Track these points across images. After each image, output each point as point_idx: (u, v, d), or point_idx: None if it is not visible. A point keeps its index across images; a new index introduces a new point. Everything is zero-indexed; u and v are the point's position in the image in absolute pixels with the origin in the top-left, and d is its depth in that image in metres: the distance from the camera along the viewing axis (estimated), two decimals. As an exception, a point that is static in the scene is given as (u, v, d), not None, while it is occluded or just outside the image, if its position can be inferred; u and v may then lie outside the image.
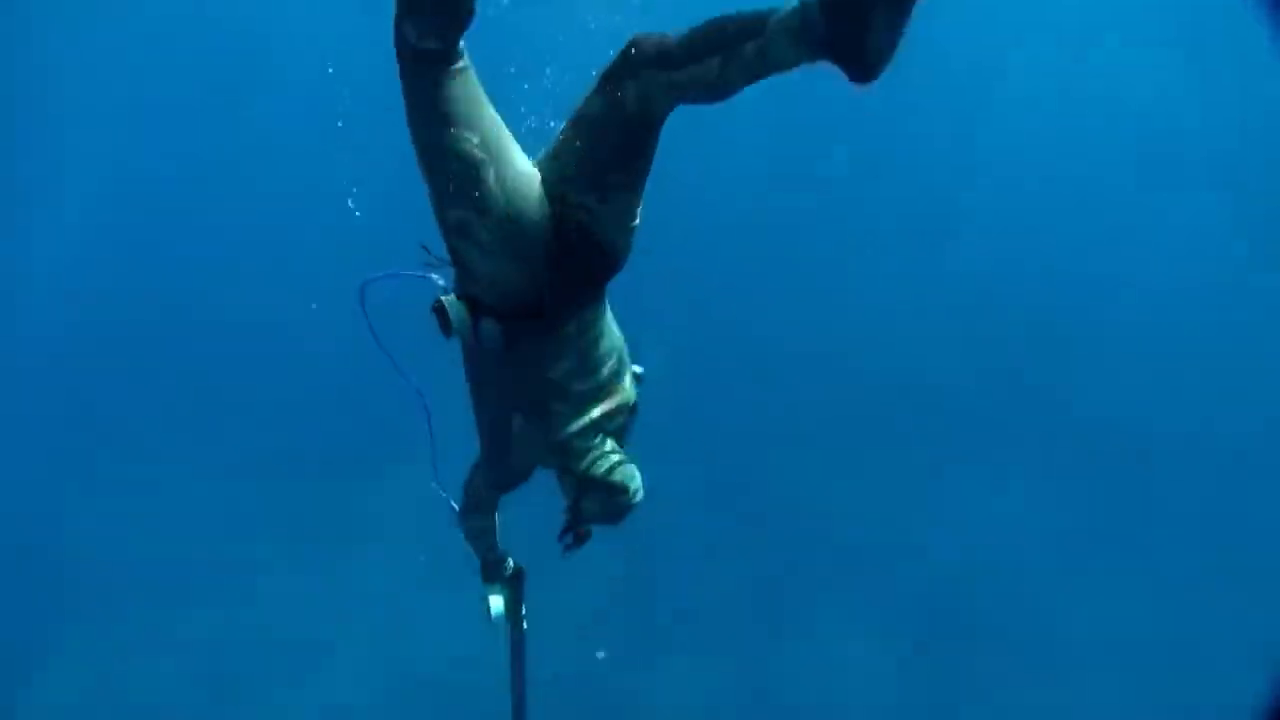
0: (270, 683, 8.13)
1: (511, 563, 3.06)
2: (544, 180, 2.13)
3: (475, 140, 2.02)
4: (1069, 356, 11.95)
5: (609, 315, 2.43)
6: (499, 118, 2.10)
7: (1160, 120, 13.13)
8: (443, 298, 2.22)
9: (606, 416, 2.46)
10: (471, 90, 2.04)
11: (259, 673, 8.19)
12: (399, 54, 2.00)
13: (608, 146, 2.08)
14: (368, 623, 8.60)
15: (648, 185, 2.21)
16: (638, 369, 2.57)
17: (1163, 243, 12.85)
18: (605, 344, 2.41)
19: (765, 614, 9.25)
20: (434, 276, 2.30)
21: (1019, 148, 13.38)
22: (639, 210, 2.22)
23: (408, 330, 2.37)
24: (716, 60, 1.85)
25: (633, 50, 1.97)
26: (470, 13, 1.94)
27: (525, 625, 3.09)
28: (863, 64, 1.71)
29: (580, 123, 2.11)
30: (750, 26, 1.79)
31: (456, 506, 2.88)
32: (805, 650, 8.97)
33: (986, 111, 13.65)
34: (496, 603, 2.98)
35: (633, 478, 2.49)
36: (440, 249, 2.29)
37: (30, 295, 11.50)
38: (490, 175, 2.04)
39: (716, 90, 1.93)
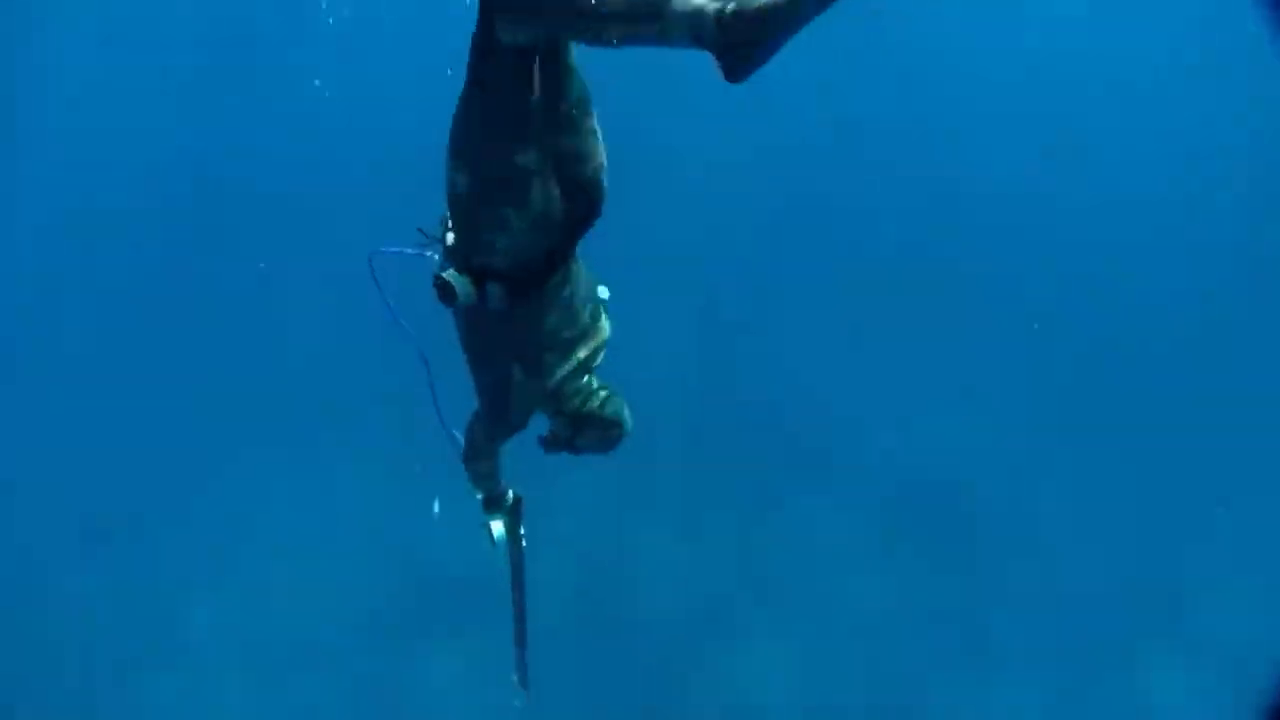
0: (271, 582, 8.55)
1: (511, 494, 3.26)
2: None
3: (534, 156, 2.19)
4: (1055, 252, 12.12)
5: (580, 263, 2.60)
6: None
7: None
8: (444, 273, 2.37)
9: (590, 356, 2.69)
10: (537, 102, 2.16)
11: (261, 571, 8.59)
12: (487, 53, 2.08)
13: (543, 89, 2.18)
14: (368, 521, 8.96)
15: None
16: (604, 291, 2.73)
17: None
18: (583, 291, 2.62)
19: (751, 496, 9.71)
20: (431, 254, 2.51)
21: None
22: (602, 148, 2.36)
23: (406, 295, 2.49)
24: (620, 29, 1.96)
25: None
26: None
27: (524, 545, 3.37)
28: (739, 76, 1.91)
29: (490, 85, 2.17)
30: (654, 8, 1.91)
31: (460, 440, 3.06)
32: (789, 530, 9.45)
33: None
34: (497, 528, 3.27)
35: (621, 410, 2.75)
36: (431, 226, 2.45)
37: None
38: (537, 184, 2.24)
39: (610, 45, 2.04)
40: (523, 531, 3.34)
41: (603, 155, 2.37)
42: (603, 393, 2.73)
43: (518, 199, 2.23)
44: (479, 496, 3.25)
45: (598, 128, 2.35)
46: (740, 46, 1.84)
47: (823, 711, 7.89)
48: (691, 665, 8.10)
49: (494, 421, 2.86)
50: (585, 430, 2.72)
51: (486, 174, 2.22)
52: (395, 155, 7.98)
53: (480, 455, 3.09)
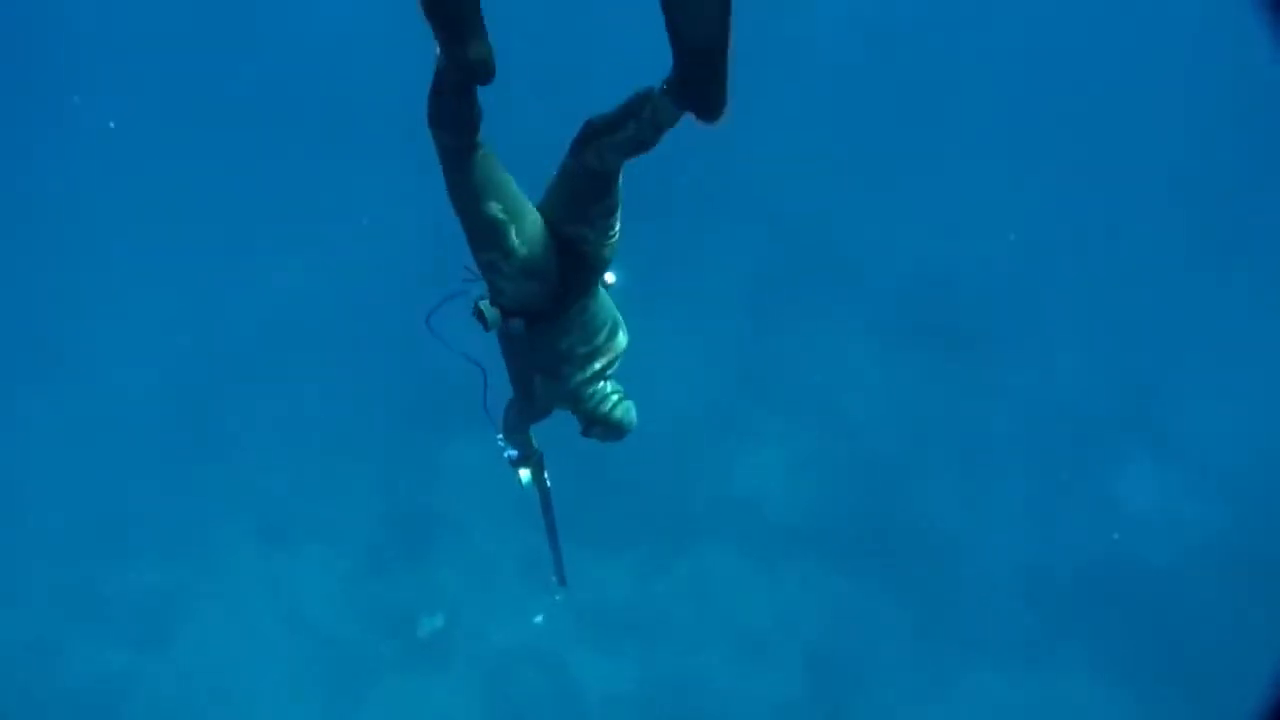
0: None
1: (537, 452, 3.87)
2: (545, 218, 2.71)
3: (499, 207, 2.60)
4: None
5: (601, 293, 3.03)
6: (514, 181, 2.63)
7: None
8: (479, 303, 2.84)
9: (605, 367, 3.17)
10: (491, 166, 2.57)
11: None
12: (434, 140, 2.51)
13: (585, 193, 2.68)
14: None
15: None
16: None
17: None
18: (600, 316, 3.03)
19: (761, 310, 9.97)
20: (473, 290, 2.90)
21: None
22: (618, 225, 2.77)
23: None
24: (632, 124, 2.45)
25: (588, 126, 2.54)
26: (479, 117, 2.46)
27: (549, 485, 3.99)
28: (712, 115, 2.33)
29: (564, 177, 2.69)
30: (644, 99, 2.43)
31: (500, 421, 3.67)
32: (792, 336, 9.77)
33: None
34: (525, 474, 3.89)
35: (627, 412, 3.23)
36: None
37: None
38: (512, 232, 2.63)
39: (641, 145, 2.51)
40: (546, 475, 3.95)
41: (609, 246, 2.77)
42: (614, 396, 3.16)
43: (498, 245, 2.62)
44: (512, 454, 3.79)
45: (618, 227, 2.75)
46: (700, 99, 2.30)
47: (817, 508, 8.52)
48: (694, 462, 8.68)
49: (524, 409, 3.49)
50: (596, 426, 3.20)
51: (471, 227, 2.64)
52: None
53: (515, 430, 3.71)
